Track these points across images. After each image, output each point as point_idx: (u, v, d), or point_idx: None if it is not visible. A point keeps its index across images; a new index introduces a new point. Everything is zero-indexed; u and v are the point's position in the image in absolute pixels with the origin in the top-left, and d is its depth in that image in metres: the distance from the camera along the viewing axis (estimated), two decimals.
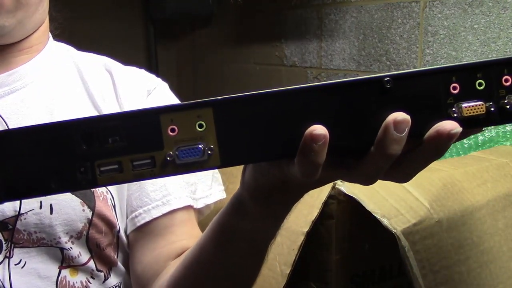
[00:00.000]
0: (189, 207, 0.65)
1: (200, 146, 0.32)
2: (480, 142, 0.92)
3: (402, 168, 0.36)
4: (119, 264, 0.67)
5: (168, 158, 0.32)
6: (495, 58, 0.35)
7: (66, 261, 0.62)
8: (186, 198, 0.65)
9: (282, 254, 0.65)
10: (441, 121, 0.34)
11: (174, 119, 0.32)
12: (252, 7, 1.82)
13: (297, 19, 1.68)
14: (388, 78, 0.33)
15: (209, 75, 2.09)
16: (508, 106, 0.34)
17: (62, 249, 0.61)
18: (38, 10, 0.65)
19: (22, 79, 0.64)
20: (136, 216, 0.65)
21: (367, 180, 0.37)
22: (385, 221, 0.58)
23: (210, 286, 0.53)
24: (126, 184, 0.66)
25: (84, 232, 0.62)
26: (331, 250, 0.65)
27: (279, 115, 0.33)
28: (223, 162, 0.33)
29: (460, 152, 0.92)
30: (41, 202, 0.59)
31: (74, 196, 0.60)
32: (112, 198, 0.64)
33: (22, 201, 0.58)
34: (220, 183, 0.73)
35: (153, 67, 2.06)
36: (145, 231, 0.65)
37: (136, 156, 0.32)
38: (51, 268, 0.61)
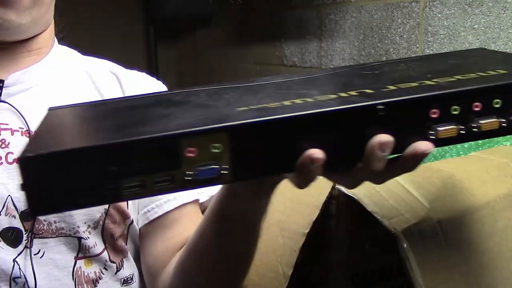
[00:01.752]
0: (195, 200, 0.71)
1: (215, 166, 0.36)
2: (480, 142, 0.92)
3: (380, 176, 0.41)
4: (129, 255, 0.69)
5: (186, 178, 0.36)
6: (469, 88, 0.40)
7: (82, 251, 0.64)
8: (193, 193, 0.70)
9: (284, 256, 0.65)
10: (419, 141, 0.39)
11: (192, 143, 0.35)
12: (252, 7, 1.82)
13: (297, 19, 1.68)
14: (381, 106, 0.38)
15: (209, 75, 2.09)
16: (475, 129, 0.40)
17: (80, 239, 0.63)
18: (49, 10, 0.67)
19: (35, 77, 0.66)
20: (148, 211, 0.69)
21: (350, 186, 0.43)
22: (385, 221, 0.58)
23: (210, 268, 0.58)
24: None
25: (101, 222, 0.64)
26: (331, 250, 0.65)
27: (285, 137, 0.37)
28: (234, 178, 0.37)
29: (460, 152, 0.92)
30: None
31: None
32: None
33: None
34: None
35: (153, 67, 2.06)
36: (157, 224, 0.69)
37: (157, 175, 0.35)
38: (68, 259, 0.63)
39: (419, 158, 0.39)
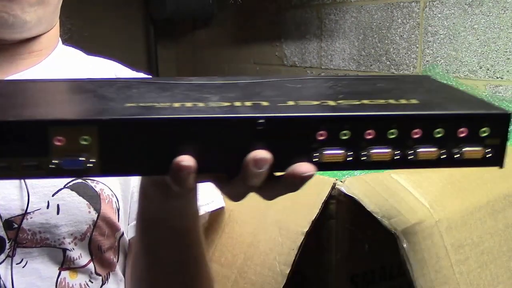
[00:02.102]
0: None
1: (82, 158, 0.36)
2: None
3: (267, 192, 0.40)
4: (118, 269, 0.67)
5: (52, 166, 0.36)
6: (363, 113, 0.37)
7: (66, 263, 0.62)
8: None
9: (282, 254, 0.65)
10: (301, 162, 0.37)
11: (61, 132, 0.36)
12: (252, 7, 1.82)
13: (297, 19, 1.68)
14: (261, 121, 0.36)
15: (209, 75, 2.09)
16: (364, 158, 0.37)
17: (64, 250, 0.62)
18: (56, 10, 0.66)
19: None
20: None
21: (233, 199, 0.41)
22: (385, 221, 0.58)
23: (142, 276, 0.57)
24: (130, 190, 0.67)
25: (88, 234, 0.62)
26: (331, 250, 0.65)
27: (157, 139, 0.37)
28: (103, 172, 0.37)
29: None
30: (48, 202, 0.60)
31: (81, 197, 0.61)
32: (117, 201, 0.65)
33: (30, 200, 0.59)
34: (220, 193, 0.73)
35: (153, 67, 2.06)
36: None
37: (25, 159, 0.36)
38: (52, 269, 0.61)
39: (298, 181, 0.37)
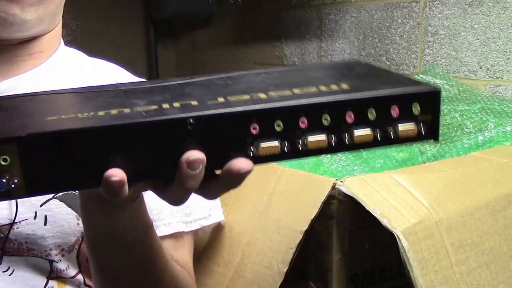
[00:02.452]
0: (177, 233, 0.65)
1: (3, 180, 0.34)
2: (480, 142, 0.92)
3: (207, 191, 0.39)
4: None
5: None
6: (294, 103, 0.37)
7: (54, 273, 0.61)
8: (176, 224, 0.65)
9: (279, 253, 0.65)
10: (238, 158, 0.36)
11: None
12: (252, 7, 1.82)
13: (297, 19, 1.68)
14: (191, 121, 0.35)
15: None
16: (301, 146, 0.37)
17: (51, 261, 0.60)
18: (58, 10, 0.64)
19: (29, 84, 0.63)
20: None
21: (173, 203, 0.40)
22: (385, 221, 0.58)
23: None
24: None
25: (76, 246, 0.61)
26: (331, 250, 0.65)
27: (82, 150, 0.34)
28: (28, 192, 0.35)
29: (460, 152, 0.92)
30: (36, 212, 0.58)
31: (69, 208, 0.60)
32: None
33: (18, 210, 0.58)
34: (219, 205, 0.72)
35: (153, 67, 2.06)
36: None
37: None
38: (39, 278, 0.60)
39: (235, 177, 0.36)
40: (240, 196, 0.75)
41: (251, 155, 0.37)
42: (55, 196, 0.60)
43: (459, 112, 1.03)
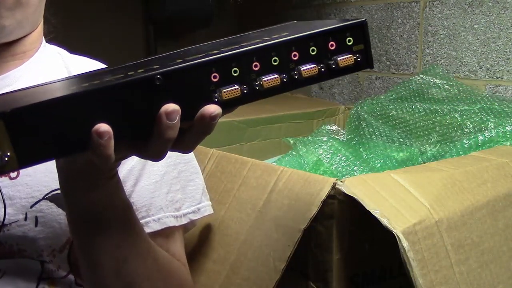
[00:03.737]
0: (168, 228, 0.65)
1: None
2: (480, 142, 0.92)
3: (184, 143, 0.43)
4: None
5: None
6: (245, 49, 0.42)
7: (45, 274, 0.60)
8: (166, 219, 0.65)
9: (277, 250, 0.65)
10: (206, 105, 0.41)
11: None
12: (252, 7, 1.82)
13: (297, 19, 1.68)
14: (158, 76, 0.39)
15: None
16: (258, 87, 0.42)
17: (42, 262, 0.60)
18: (37, 10, 0.63)
19: (13, 83, 0.63)
20: None
21: (155, 158, 0.43)
22: (385, 221, 0.58)
23: (98, 278, 0.55)
24: None
25: (67, 246, 0.61)
26: (331, 250, 0.65)
27: (66, 117, 0.37)
28: (20, 164, 0.37)
29: (460, 152, 0.92)
30: (26, 214, 0.58)
31: (60, 209, 0.59)
32: None
33: (7, 212, 0.57)
34: (208, 198, 0.72)
35: None
36: None
37: None
38: (30, 279, 0.60)
39: (208, 121, 0.41)
40: (238, 195, 0.75)
41: (216, 100, 0.41)
42: (45, 197, 0.59)
43: (459, 112, 1.03)
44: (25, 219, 0.58)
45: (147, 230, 0.62)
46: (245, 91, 0.42)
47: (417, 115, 1.10)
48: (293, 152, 1.02)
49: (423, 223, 0.60)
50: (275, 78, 0.42)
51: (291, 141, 1.06)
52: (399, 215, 0.60)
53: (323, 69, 0.44)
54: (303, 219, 0.63)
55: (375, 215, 0.59)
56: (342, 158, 0.97)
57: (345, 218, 0.64)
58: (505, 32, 1.15)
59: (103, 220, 0.50)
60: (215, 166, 0.82)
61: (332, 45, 0.44)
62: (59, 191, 0.59)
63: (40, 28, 0.67)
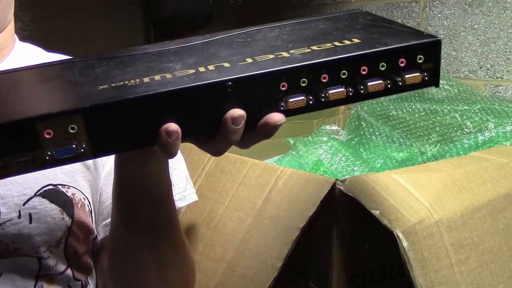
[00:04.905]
0: None
1: (73, 146, 0.39)
2: (480, 142, 0.92)
3: (243, 142, 0.44)
4: (94, 272, 0.66)
5: (47, 158, 0.38)
6: (316, 61, 0.42)
7: (43, 271, 0.60)
8: None
9: (274, 248, 0.65)
10: (271, 112, 0.42)
11: (48, 125, 0.38)
12: (252, 7, 1.82)
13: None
14: (230, 83, 0.40)
15: None
16: (324, 99, 0.43)
17: (40, 259, 0.60)
18: (7, 8, 0.62)
19: None
20: (107, 224, 0.65)
21: (215, 154, 0.45)
22: (385, 221, 0.58)
23: (132, 250, 0.57)
24: (99, 191, 0.66)
25: (63, 240, 0.61)
26: (331, 250, 0.65)
27: (139, 115, 0.40)
28: (95, 154, 0.40)
29: (460, 152, 0.92)
30: (19, 211, 0.58)
31: (53, 204, 0.59)
32: (89, 203, 0.63)
33: (0, 211, 0.57)
34: (192, 186, 0.74)
35: None
36: None
37: (19, 156, 0.38)
38: (28, 278, 0.60)
39: (271, 129, 0.42)
40: (238, 194, 0.75)
41: (281, 109, 0.42)
42: (37, 194, 0.59)
43: (459, 112, 1.03)
44: (19, 216, 0.58)
45: None
46: (310, 102, 0.42)
47: (417, 115, 1.10)
48: (293, 152, 1.02)
49: (423, 223, 0.60)
50: (341, 91, 0.43)
51: (291, 141, 1.06)
52: (399, 215, 0.60)
53: (389, 85, 0.44)
54: (302, 218, 0.63)
55: (375, 215, 0.59)
56: (342, 158, 0.97)
57: (345, 218, 0.64)
58: (505, 32, 1.15)
59: (150, 190, 0.53)
60: (214, 166, 0.82)
61: (402, 62, 0.43)
62: (50, 187, 0.60)
63: (11, 27, 0.66)
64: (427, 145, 1.03)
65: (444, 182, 0.67)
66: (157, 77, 0.42)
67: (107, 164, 0.66)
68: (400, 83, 0.44)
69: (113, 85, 0.41)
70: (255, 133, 0.43)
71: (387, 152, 1.01)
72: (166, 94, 0.39)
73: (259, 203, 0.71)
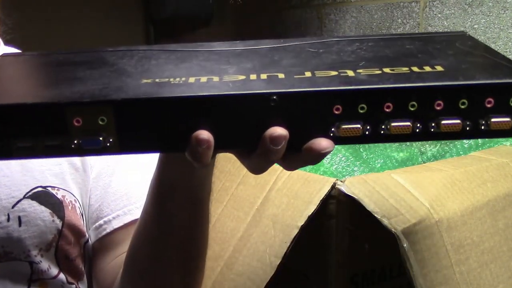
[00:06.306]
0: None
1: (100, 138, 0.37)
2: (480, 142, 0.91)
3: (287, 164, 0.39)
4: (85, 277, 0.65)
5: (73, 146, 0.37)
6: (380, 86, 0.36)
7: (35, 275, 0.59)
8: None
9: (273, 246, 0.65)
10: (319, 137, 0.36)
11: (78, 113, 0.36)
12: (252, 7, 1.82)
13: (297, 19, 1.68)
14: (274, 97, 0.36)
15: None
16: (383, 131, 0.36)
17: (31, 263, 0.59)
18: None
19: None
20: (97, 227, 0.64)
21: (254, 172, 0.41)
22: (385, 221, 0.58)
23: (160, 250, 0.55)
24: (89, 193, 0.65)
25: (54, 244, 0.60)
26: (331, 250, 0.65)
27: (171, 116, 0.37)
28: (121, 150, 0.38)
29: (460, 152, 0.92)
30: (8, 214, 0.57)
31: (43, 206, 0.59)
32: (81, 206, 0.63)
33: None
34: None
35: None
36: (108, 240, 0.64)
37: (48, 139, 0.37)
38: (20, 283, 0.59)
39: (317, 155, 0.37)
40: (236, 193, 0.75)
41: (332, 135, 0.37)
42: (26, 196, 0.58)
43: None
44: (8, 220, 0.57)
45: (130, 217, 0.63)
46: (366, 132, 0.36)
47: None
48: None
49: (423, 223, 0.60)
50: (407, 125, 0.36)
51: None
52: (399, 215, 0.60)
53: (467, 128, 0.36)
54: (301, 217, 0.63)
55: (375, 215, 0.59)
56: (342, 158, 0.97)
57: (345, 218, 0.64)
58: (505, 32, 1.15)
59: (191, 195, 0.51)
60: (214, 166, 0.82)
61: (489, 102, 0.35)
62: (40, 189, 0.59)
63: None
64: (427, 145, 1.03)
65: (444, 182, 0.67)
66: (204, 79, 0.38)
67: (95, 166, 0.65)
68: (482, 127, 0.36)
69: (157, 80, 0.39)
70: (300, 156, 0.38)
71: (387, 152, 1.00)
72: (201, 99, 0.36)
73: (258, 202, 0.71)
